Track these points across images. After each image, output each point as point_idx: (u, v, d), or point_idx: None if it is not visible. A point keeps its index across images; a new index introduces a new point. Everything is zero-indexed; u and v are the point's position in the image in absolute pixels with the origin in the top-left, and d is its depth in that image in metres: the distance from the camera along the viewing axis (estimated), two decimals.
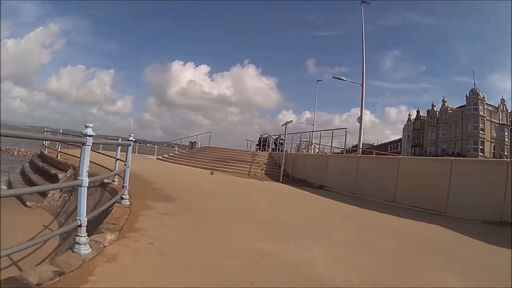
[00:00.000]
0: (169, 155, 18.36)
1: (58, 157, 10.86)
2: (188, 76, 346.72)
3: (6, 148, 29.32)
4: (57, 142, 11.71)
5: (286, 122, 13.88)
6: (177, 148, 21.85)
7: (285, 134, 14.40)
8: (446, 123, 45.37)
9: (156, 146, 23.92)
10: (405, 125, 56.97)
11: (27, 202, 6.99)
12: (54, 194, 7.00)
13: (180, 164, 15.40)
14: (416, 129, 52.75)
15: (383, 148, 65.75)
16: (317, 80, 30.21)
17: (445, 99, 46.47)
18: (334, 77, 17.19)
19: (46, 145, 12.68)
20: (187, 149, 20.94)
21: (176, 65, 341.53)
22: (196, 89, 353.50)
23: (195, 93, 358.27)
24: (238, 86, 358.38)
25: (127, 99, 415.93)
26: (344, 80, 16.82)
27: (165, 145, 23.72)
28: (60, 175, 8.29)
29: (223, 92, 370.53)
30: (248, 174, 13.62)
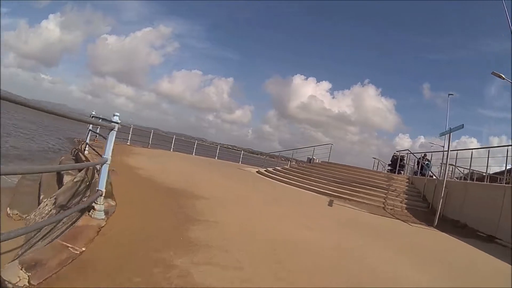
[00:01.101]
0: (275, 169, 14.36)
1: (85, 153, 8.30)
2: (309, 91, 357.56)
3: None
4: (88, 134, 8.81)
5: (450, 128, 8.64)
6: (290, 162, 17.21)
7: (448, 150, 9.11)
8: None
9: (265, 156, 20.15)
10: None
11: (8, 209, 4.62)
12: (46, 205, 4.39)
13: (285, 183, 11.24)
14: None
15: (492, 179, 52.15)
16: (449, 94, 21.74)
17: None
18: (493, 73, 13.37)
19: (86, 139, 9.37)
20: (299, 164, 16.58)
21: (298, 79, 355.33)
22: (317, 105, 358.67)
23: (316, 109, 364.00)
24: (358, 105, 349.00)
25: (246, 109, 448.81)
26: (503, 78, 13.17)
27: (282, 158, 18.64)
28: (68, 177, 5.38)
29: (343, 110, 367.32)
30: (384, 208, 8.96)
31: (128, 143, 14.33)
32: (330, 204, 8.22)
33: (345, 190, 10.17)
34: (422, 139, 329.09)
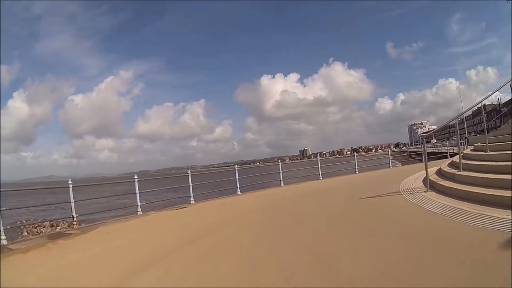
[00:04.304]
0: None
1: None
2: (280, 88, 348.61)
3: None
4: None
5: None
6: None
7: None
8: None
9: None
10: None
11: None
12: None
13: None
14: None
15: None
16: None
17: None
18: None
19: None
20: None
21: (265, 80, 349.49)
22: (291, 98, 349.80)
23: (291, 102, 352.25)
24: (330, 85, 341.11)
25: (225, 124, 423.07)
26: None
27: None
28: None
29: (318, 94, 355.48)
30: None
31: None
32: None
33: None
34: (402, 96, 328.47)
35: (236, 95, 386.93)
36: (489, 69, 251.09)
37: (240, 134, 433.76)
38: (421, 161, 20.68)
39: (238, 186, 9.94)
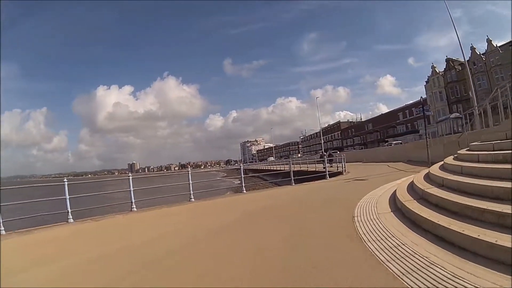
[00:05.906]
0: None
1: None
2: (113, 99, 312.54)
3: None
4: None
5: None
6: None
7: None
8: (498, 65, 33.93)
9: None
10: (427, 81, 44.19)
11: None
12: None
13: None
14: (453, 81, 39.09)
15: (382, 121, 57.60)
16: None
17: (490, 39, 35.98)
18: None
19: None
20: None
21: (101, 91, 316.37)
22: (123, 110, 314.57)
23: (122, 114, 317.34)
24: (162, 99, 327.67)
25: (62, 134, 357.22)
26: None
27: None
28: None
29: (148, 108, 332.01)
30: None
31: None
32: None
33: None
34: (234, 114, 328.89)
35: (73, 106, 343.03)
36: (340, 88, 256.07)
37: (75, 145, 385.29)
38: (277, 184, 15.92)
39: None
